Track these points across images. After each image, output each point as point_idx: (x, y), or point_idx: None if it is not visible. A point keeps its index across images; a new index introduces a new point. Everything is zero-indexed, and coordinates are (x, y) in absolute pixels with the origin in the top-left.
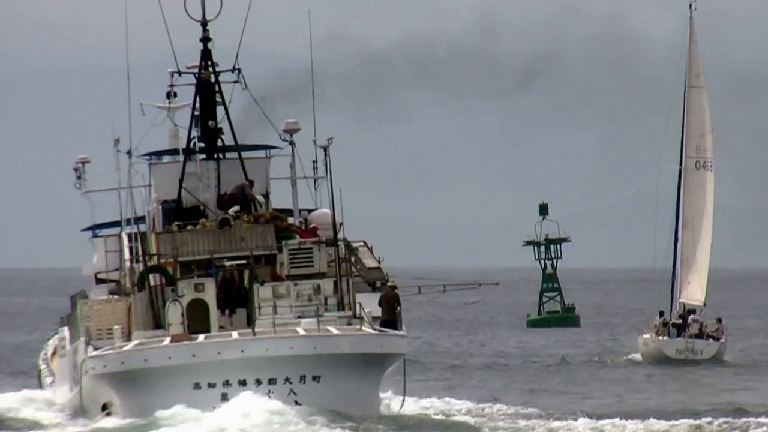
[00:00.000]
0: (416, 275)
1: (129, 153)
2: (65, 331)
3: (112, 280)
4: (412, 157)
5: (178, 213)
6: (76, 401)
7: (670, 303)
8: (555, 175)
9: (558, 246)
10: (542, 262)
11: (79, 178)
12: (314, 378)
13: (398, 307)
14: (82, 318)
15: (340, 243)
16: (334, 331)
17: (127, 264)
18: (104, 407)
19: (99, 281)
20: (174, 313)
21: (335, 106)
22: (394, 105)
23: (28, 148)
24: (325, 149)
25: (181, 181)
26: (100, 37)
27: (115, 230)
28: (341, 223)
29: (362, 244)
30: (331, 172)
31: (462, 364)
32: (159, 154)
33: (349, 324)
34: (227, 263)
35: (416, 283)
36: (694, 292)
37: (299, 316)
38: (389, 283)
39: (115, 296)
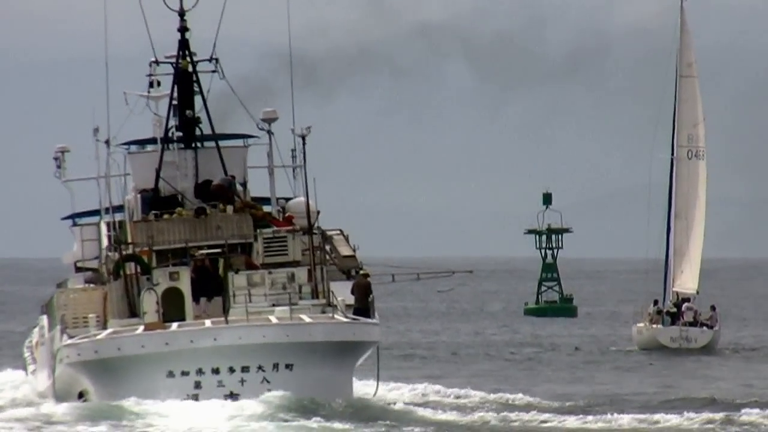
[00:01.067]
0: (396, 264)
1: (107, 142)
2: (44, 320)
3: (90, 269)
4: (412, 147)
5: (156, 202)
6: (53, 389)
7: (663, 292)
8: (550, 165)
9: (559, 236)
10: (543, 251)
11: (59, 167)
12: (287, 366)
13: (371, 295)
14: (59, 307)
15: (314, 232)
16: (306, 319)
17: (105, 253)
18: (80, 395)
19: (78, 270)
20: (149, 302)
21: (332, 94)
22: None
23: (8, 137)
24: (303, 138)
25: (158, 170)
26: (80, 27)
27: (94, 219)
28: (318, 212)
29: (338, 232)
30: (305, 160)
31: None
32: (137, 143)
33: (323, 312)
34: (198, 252)
35: (390, 271)
36: (686, 280)
37: (274, 305)
38: (362, 272)
39: (91, 285)
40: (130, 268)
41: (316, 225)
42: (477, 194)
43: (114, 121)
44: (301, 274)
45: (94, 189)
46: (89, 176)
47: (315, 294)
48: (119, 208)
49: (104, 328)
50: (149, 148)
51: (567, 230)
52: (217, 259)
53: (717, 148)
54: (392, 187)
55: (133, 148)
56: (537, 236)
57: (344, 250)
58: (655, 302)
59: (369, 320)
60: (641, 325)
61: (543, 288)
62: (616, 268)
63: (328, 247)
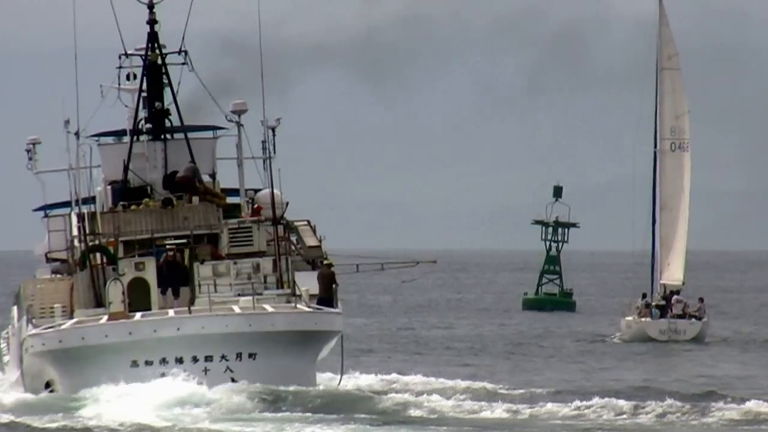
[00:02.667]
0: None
1: (77, 134)
2: (14, 311)
3: (59, 260)
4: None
5: (125, 193)
6: (22, 380)
7: (651, 284)
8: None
9: (566, 230)
10: (547, 243)
11: (30, 159)
12: (250, 355)
13: (335, 285)
14: (26, 297)
15: (280, 222)
16: (269, 308)
17: (73, 243)
18: (47, 385)
19: (50, 261)
20: (115, 292)
21: (320, 82)
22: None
23: None
24: (273, 129)
25: (127, 161)
26: (50, 19)
27: (66, 210)
28: (287, 203)
29: (305, 223)
30: (269, 151)
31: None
32: (106, 135)
33: (288, 302)
34: (168, 247)
35: (354, 261)
36: (674, 272)
37: (239, 295)
38: (326, 262)
39: (58, 275)
40: (97, 258)
41: (283, 215)
42: (458, 185)
43: (87, 113)
44: (266, 264)
45: (66, 180)
46: (60, 168)
47: (280, 284)
48: (92, 200)
49: (71, 318)
50: (118, 139)
51: (574, 225)
52: (183, 250)
53: (712, 139)
54: (371, 178)
55: (103, 139)
56: (544, 227)
57: (310, 241)
58: (644, 295)
59: (332, 310)
60: (629, 318)
61: (544, 280)
62: (603, 261)
63: (294, 238)
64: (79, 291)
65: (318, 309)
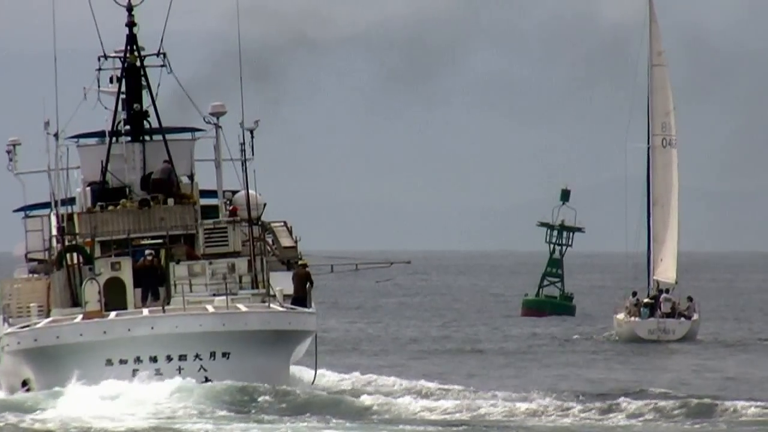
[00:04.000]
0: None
1: (56, 135)
2: None
3: (37, 260)
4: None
5: (103, 194)
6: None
7: (648, 281)
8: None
9: (571, 234)
10: (552, 246)
11: (11, 160)
12: (224, 354)
13: (309, 285)
14: (3, 296)
15: (255, 223)
16: (242, 308)
17: (51, 243)
18: (24, 384)
19: (29, 261)
20: (91, 291)
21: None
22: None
23: None
24: (251, 131)
25: (106, 162)
26: (31, 20)
27: (46, 211)
28: (264, 204)
29: (282, 224)
30: (253, 153)
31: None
32: (86, 136)
33: (263, 302)
34: (147, 252)
35: (329, 261)
36: (666, 269)
37: (214, 294)
38: (301, 262)
39: (35, 275)
40: (73, 258)
41: (260, 217)
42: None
43: (67, 114)
44: (242, 264)
45: (47, 181)
46: (40, 169)
47: (255, 284)
48: (72, 201)
49: (48, 317)
50: (97, 141)
51: (579, 229)
52: (159, 251)
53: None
54: (351, 179)
55: (82, 141)
56: (549, 230)
57: (285, 242)
58: (634, 293)
59: (305, 309)
60: (620, 316)
61: (545, 282)
62: (598, 263)
63: (270, 239)
64: (55, 290)
65: (291, 309)
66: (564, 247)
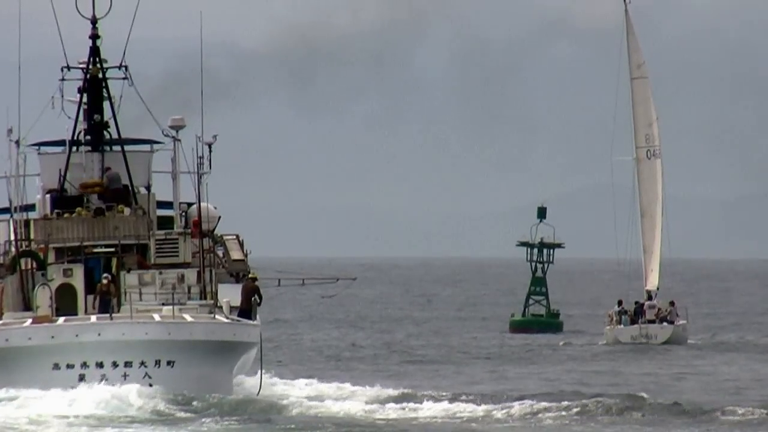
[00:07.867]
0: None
1: (17, 143)
2: None
3: None
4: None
5: (61, 201)
6: None
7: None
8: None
9: (551, 251)
10: (533, 264)
11: None
12: (168, 362)
13: (255, 298)
14: None
15: (205, 235)
16: (188, 318)
17: (5, 249)
18: None
19: None
20: (42, 296)
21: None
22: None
23: None
24: (210, 145)
25: (64, 170)
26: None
27: (5, 216)
28: (219, 217)
29: (234, 237)
30: (197, 166)
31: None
32: (47, 144)
33: (210, 313)
34: (103, 277)
35: (276, 275)
36: (656, 278)
37: (163, 304)
38: (250, 275)
39: None
40: (26, 263)
41: (214, 229)
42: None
43: (30, 122)
44: (191, 275)
45: (5, 188)
46: (1, 176)
47: (203, 295)
48: (31, 207)
49: None
50: (58, 149)
51: (559, 245)
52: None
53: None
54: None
55: (43, 149)
56: (529, 249)
57: (235, 254)
58: (620, 303)
59: (250, 322)
60: (608, 327)
61: (531, 301)
62: (585, 269)
63: (221, 251)
64: (8, 294)
65: (236, 320)
66: (546, 264)
